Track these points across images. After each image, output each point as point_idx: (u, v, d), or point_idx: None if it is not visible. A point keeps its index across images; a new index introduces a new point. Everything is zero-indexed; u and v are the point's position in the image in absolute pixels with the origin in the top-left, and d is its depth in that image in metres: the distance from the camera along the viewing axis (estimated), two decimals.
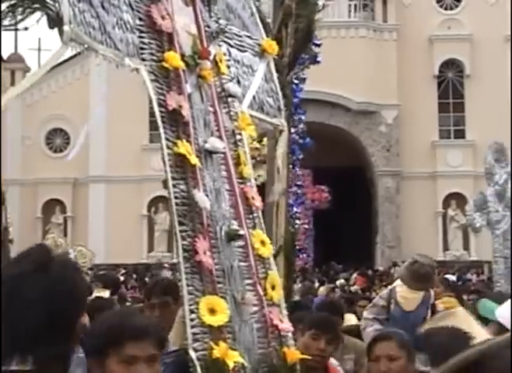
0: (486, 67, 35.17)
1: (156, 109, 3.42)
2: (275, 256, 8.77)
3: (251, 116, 4.12)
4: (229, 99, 3.96)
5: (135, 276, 27.20)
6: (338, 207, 31.78)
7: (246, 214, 3.75)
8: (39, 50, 40.75)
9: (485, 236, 34.93)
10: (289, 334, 3.69)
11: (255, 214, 3.84)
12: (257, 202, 3.85)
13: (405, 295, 5.77)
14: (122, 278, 21.90)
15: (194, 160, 3.42)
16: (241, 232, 3.58)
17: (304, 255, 26.71)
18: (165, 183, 3.34)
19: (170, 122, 3.46)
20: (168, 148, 3.40)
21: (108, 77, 36.06)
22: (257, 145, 15.05)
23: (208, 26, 3.94)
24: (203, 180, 3.50)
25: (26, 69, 38.69)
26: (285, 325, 3.66)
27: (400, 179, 35.54)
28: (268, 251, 3.78)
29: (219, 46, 4.04)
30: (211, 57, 3.80)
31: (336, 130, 35.39)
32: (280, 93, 4.56)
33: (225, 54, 4.08)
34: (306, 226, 27.21)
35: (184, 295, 3.23)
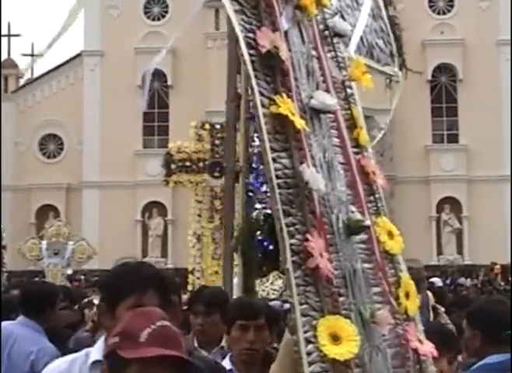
0: (479, 72, 35.23)
1: (245, 51, 2.44)
2: (234, 251, 7.57)
3: None
4: (335, 40, 2.95)
5: None
6: None
7: (366, 196, 2.76)
8: (32, 55, 40.72)
9: (478, 240, 34.86)
10: (430, 359, 2.69)
11: (377, 196, 2.84)
12: (379, 178, 2.87)
13: None
14: None
15: (299, 122, 2.45)
16: (366, 222, 2.62)
17: None
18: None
19: (264, 70, 2.47)
20: (263, 106, 2.42)
21: (102, 82, 36.08)
22: None
23: None
24: (311, 151, 2.52)
25: (19, 75, 38.65)
26: (427, 348, 2.67)
27: (393, 183, 35.51)
28: (397, 245, 2.77)
29: None
30: None
31: None
32: (392, 34, 3.56)
33: None
34: None
35: (296, 318, 2.28)
